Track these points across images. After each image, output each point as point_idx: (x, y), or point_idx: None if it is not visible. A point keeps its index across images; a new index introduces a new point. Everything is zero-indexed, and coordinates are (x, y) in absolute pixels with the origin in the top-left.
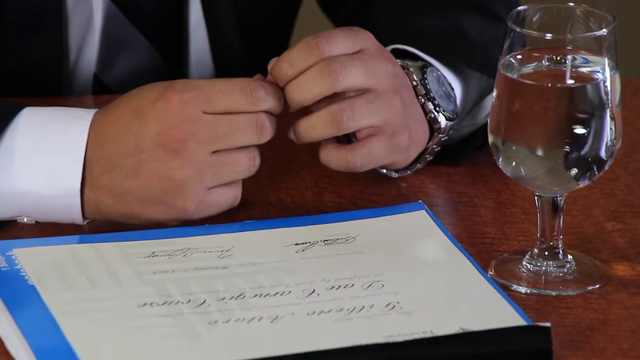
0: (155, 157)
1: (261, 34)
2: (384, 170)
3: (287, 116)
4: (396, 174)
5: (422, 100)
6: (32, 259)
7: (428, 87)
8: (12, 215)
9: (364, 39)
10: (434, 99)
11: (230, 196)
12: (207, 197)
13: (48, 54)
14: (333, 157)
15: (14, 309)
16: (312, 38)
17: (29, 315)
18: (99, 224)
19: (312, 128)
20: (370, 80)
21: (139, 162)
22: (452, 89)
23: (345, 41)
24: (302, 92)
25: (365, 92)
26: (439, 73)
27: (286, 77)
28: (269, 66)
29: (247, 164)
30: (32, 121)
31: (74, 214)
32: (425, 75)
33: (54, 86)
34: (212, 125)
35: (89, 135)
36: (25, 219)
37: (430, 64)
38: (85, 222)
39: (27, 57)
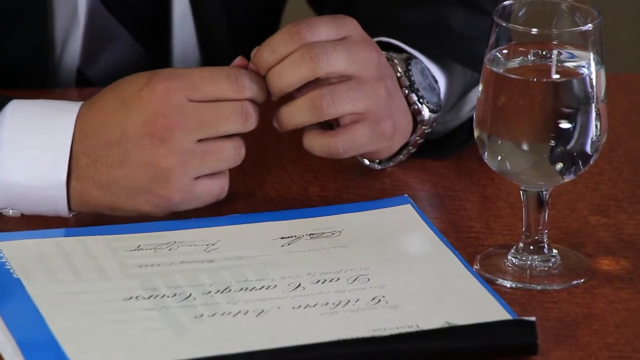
0: (141, 145)
1: (249, 27)
2: (367, 162)
3: (272, 109)
4: (379, 166)
5: (406, 91)
6: (17, 251)
7: (412, 78)
8: None
9: (349, 26)
10: (418, 90)
11: (217, 188)
12: (193, 187)
13: (32, 47)
14: (316, 143)
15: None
16: (294, 25)
17: (14, 309)
18: (84, 217)
19: (292, 114)
20: (353, 67)
21: (125, 151)
22: (436, 81)
23: (328, 28)
24: (284, 77)
25: (349, 78)
26: (423, 65)
27: (268, 64)
28: (252, 54)
29: (233, 153)
30: (18, 113)
31: (59, 206)
32: (409, 67)
33: (38, 80)
34: (198, 112)
35: (75, 127)
36: (10, 212)
37: (415, 57)
38: (70, 215)
39: (11, 49)
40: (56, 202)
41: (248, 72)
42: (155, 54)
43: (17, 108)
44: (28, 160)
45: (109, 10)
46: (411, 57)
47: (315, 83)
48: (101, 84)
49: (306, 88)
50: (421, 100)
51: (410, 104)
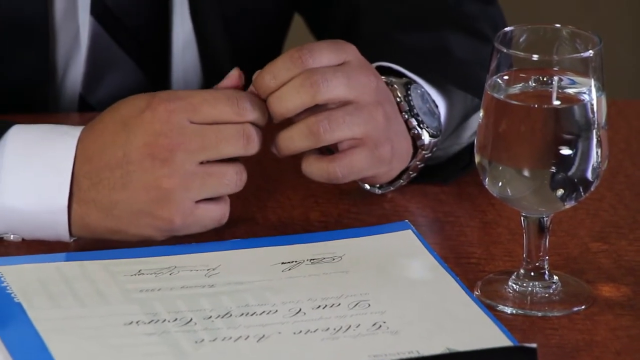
0: (143, 167)
1: (252, 52)
2: (367, 186)
3: (272, 133)
4: (379, 190)
5: (406, 116)
6: (18, 276)
7: (412, 103)
8: None
9: (348, 52)
10: (418, 115)
11: (218, 213)
12: (194, 210)
13: (34, 72)
14: (314, 168)
15: (0, 326)
16: (295, 50)
17: (15, 333)
18: (85, 242)
19: (290, 140)
20: (352, 93)
21: (127, 173)
22: (437, 106)
23: (329, 53)
24: (284, 103)
25: (347, 104)
26: (423, 90)
27: (268, 89)
28: (253, 78)
29: (234, 177)
30: (20, 138)
31: (60, 230)
32: (409, 92)
33: (40, 105)
34: (199, 134)
35: (76, 151)
36: (12, 236)
37: (415, 81)
38: (71, 240)
39: (13, 74)
40: (57, 227)
41: (249, 94)
42: (156, 79)
43: (19, 133)
44: (29, 186)
45: (111, 36)
46: (411, 81)
47: (314, 108)
48: (103, 110)
49: (305, 113)
50: (421, 125)
51: (410, 128)
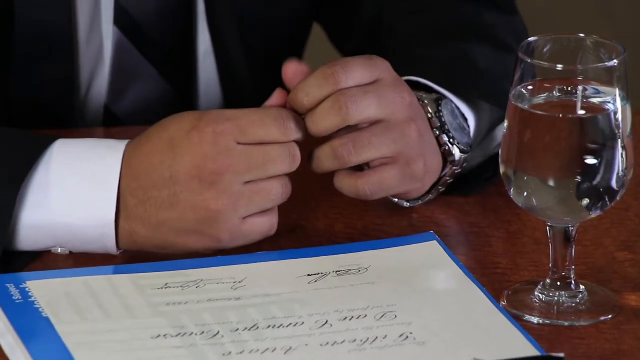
0: (190, 188)
1: (270, 64)
2: (396, 200)
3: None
4: (408, 204)
5: (437, 132)
6: (45, 291)
7: (443, 119)
8: (47, 246)
9: (381, 68)
10: (449, 131)
11: (266, 225)
12: (242, 226)
13: (60, 84)
14: (344, 184)
15: (29, 341)
16: (329, 67)
17: (43, 348)
18: (130, 254)
19: (319, 161)
20: (383, 112)
21: (174, 194)
22: (466, 119)
23: (362, 70)
24: (317, 125)
25: (378, 123)
26: (453, 105)
27: (303, 107)
28: (284, 69)
29: (280, 191)
30: (65, 153)
31: (108, 244)
32: (440, 108)
33: (65, 116)
34: (247, 156)
35: (122, 167)
36: (59, 250)
37: (445, 96)
38: (119, 253)
39: (39, 87)
40: (105, 240)
41: (293, 113)
42: (180, 89)
43: (64, 148)
44: (77, 201)
45: (135, 46)
46: (441, 97)
47: (347, 128)
48: (128, 120)
49: (338, 133)
50: (452, 141)
51: (441, 144)
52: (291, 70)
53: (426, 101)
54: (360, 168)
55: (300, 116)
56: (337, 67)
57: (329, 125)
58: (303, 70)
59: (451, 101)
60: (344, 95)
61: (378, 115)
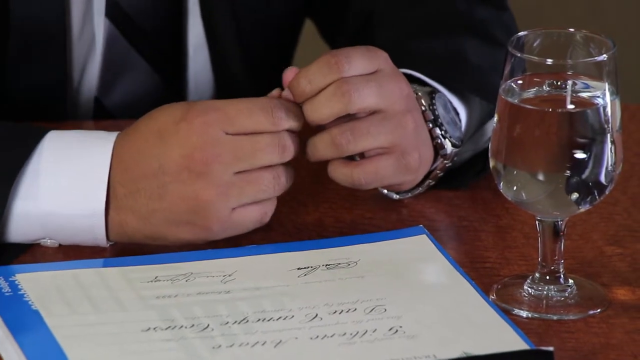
0: (179, 179)
1: (262, 55)
2: (385, 191)
3: (307, 135)
4: (397, 196)
5: (430, 125)
6: (35, 284)
7: (436, 112)
8: (36, 237)
9: (381, 59)
10: (442, 125)
11: (257, 214)
12: (233, 216)
13: (51, 77)
14: (339, 173)
15: (18, 334)
16: (332, 56)
17: (33, 340)
18: (119, 248)
19: (315, 149)
20: (383, 102)
21: (163, 184)
22: (457, 114)
23: (364, 60)
24: (317, 112)
25: (377, 112)
26: (445, 99)
27: (304, 94)
28: (284, 75)
29: (272, 182)
30: (56, 144)
31: (97, 235)
32: (433, 101)
33: (57, 108)
34: (235, 146)
35: (112, 158)
36: (48, 242)
37: (438, 90)
38: (108, 245)
39: (31, 80)
40: (95, 231)
41: (284, 102)
42: (170, 82)
43: (55, 139)
44: (66, 190)
45: (126, 38)
46: (434, 90)
47: (346, 116)
48: (118, 112)
49: (336, 121)
50: (444, 134)
51: (433, 137)
52: (291, 76)
53: (420, 94)
54: (351, 158)
55: (297, 105)
56: (340, 56)
57: (330, 112)
58: None
59: (444, 95)
60: (346, 83)
61: (378, 105)
